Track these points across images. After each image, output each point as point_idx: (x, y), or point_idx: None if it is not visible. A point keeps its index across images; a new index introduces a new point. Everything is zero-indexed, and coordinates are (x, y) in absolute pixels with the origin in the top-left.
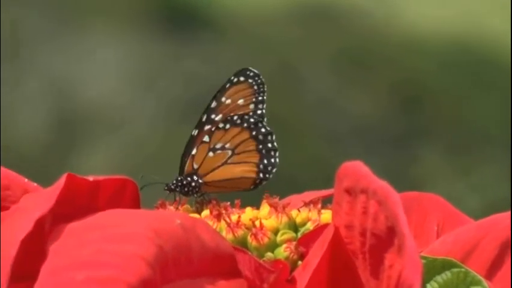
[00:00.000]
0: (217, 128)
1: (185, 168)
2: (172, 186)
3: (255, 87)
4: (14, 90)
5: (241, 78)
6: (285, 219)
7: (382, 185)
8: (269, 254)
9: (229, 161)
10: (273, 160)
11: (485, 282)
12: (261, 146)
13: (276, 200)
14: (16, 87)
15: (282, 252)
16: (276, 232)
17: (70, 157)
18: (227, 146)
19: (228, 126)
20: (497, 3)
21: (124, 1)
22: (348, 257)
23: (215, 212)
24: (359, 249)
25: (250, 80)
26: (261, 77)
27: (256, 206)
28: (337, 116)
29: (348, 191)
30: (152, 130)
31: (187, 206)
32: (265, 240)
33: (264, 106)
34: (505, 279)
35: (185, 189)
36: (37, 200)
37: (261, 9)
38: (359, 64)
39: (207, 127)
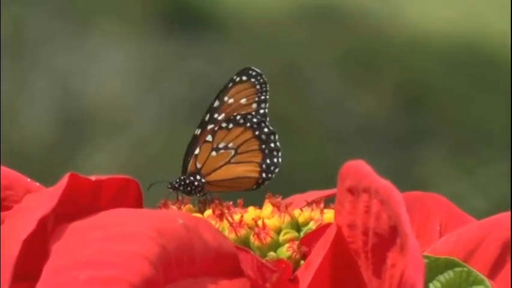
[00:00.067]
0: (220, 127)
1: (189, 167)
2: (176, 185)
3: (258, 86)
4: (19, 90)
5: (244, 78)
6: (287, 218)
7: (384, 184)
8: (272, 254)
9: (232, 161)
10: (275, 160)
11: (487, 282)
12: (263, 146)
13: (279, 199)
14: (21, 87)
15: (285, 251)
16: (278, 231)
17: (74, 157)
18: (230, 145)
19: (231, 125)
20: (502, 3)
21: (129, 2)
22: (350, 257)
23: (217, 212)
24: (361, 249)
25: (252, 80)
26: (263, 76)
27: (259, 205)
28: (342, 116)
29: (351, 190)
30: (156, 130)
31: (189, 205)
32: (268, 239)
33: (267, 105)
34: (507, 278)
35: (188, 188)
36: (40, 200)
37: (266, 10)
38: (363, 65)
39: (210, 126)
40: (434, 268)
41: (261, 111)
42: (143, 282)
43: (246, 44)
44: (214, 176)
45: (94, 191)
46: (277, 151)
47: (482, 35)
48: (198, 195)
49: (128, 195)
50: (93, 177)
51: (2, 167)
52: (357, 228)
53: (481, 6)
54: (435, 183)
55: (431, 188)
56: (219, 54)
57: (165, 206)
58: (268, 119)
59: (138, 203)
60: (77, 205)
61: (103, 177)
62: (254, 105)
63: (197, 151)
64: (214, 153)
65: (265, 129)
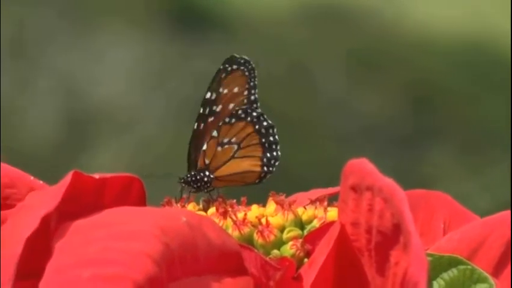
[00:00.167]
0: (224, 122)
1: (198, 163)
2: (189, 180)
3: (247, 73)
4: (24, 90)
5: (234, 67)
6: (291, 216)
7: (388, 183)
8: (275, 252)
9: (235, 155)
10: (275, 153)
11: (491, 280)
12: (263, 140)
13: (282, 197)
14: (27, 87)
15: (288, 249)
16: (282, 229)
17: (79, 157)
18: (233, 140)
19: (233, 120)
20: (508, 3)
21: (134, 1)
22: (354, 255)
23: (221, 210)
24: (364, 247)
25: (242, 67)
26: (251, 62)
27: (263, 203)
28: (347, 116)
29: (354, 189)
30: (161, 130)
31: (193, 203)
32: (272, 237)
33: (256, 91)
34: (511, 276)
35: (198, 184)
36: (43, 198)
37: (272, 10)
38: (369, 64)
39: (210, 119)
40: (438, 266)
41: (252, 97)
42: (147, 281)
43: (251, 43)
44: (221, 171)
45: (98, 189)
46: (276, 144)
47: (488, 34)
48: (206, 191)
49: (132, 193)
50: (96, 175)
51: (5, 165)
52: (360, 227)
53: (486, 6)
54: (442, 183)
55: (437, 188)
56: (224, 54)
57: (168, 204)
58: (259, 104)
59: (141, 201)
60: (80, 203)
61: (107, 175)
62: (245, 92)
63: (205, 147)
64: (219, 148)
65: (265, 123)
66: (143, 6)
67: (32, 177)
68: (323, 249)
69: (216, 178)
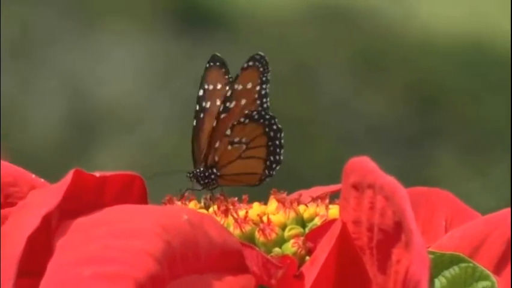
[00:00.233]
0: (238, 122)
1: (208, 159)
2: (198, 175)
3: (261, 69)
4: (28, 90)
5: (250, 63)
6: (292, 214)
7: (389, 180)
8: (277, 250)
9: (242, 155)
10: (278, 157)
11: (493, 277)
12: (270, 143)
13: (284, 195)
14: (30, 87)
15: (290, 247)
16: (283, 227)
17: (83, 157)
18: (243, 140)
19: (247, 121)
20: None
21: (138, 1)
22: (355, 253)
23: (222, 208)
24: (366, 245)
25: (257, 63)
26: (265, 58)
27: (264, 201)
28: (352, 116)
29: (355, 187)
30: (166, 130)
31: (194, 201)
32: (273, 235)
33: (268, 86)
34: None
35: (206, 180)
36: (44, 196)
37: (276, 10)
38: (373, 65)
39: (223, 115)
40: (440, 264)
41: (263, 92)
42: (148, 279)
43: (256, 43)
44: (227, 170)
45: (99, 187)
46: (281, 149)
47: (492, 34)
48: (210, 188)
49: (133, 192)
50: (97, 174)
51: (6, 163)
52: (362, 225)
53: (490, 6)
54: (446, 183)
55: (442, 187)
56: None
57: (170, 202)
58: (269, 99)
59: (143, 199)
60: (81, 201)
61: (108, 173)
62: (257, 88)
63: (217, 144)
64: (229, 147)
65: (274, 127)
66: (147, 6)
67: (33, 176)
68: (325, 247)
69: (221, 176)
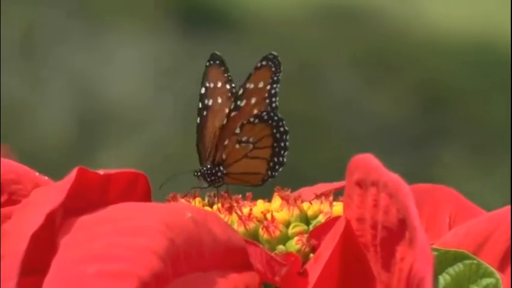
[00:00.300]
0: (248, 121)
1: (216, 157)
2: (205, 172)
3: (273, 68)
4: (35, 90)
5: (263, 63)
6: (296, 211)
7: (393, 178)
8: (281, 247)
9: (248, 155)
10: (281, 159)
11: (497, 274)
12: (275, 144)
13: (288, 192)
14: (37, 87)
15: (294, 245)
16: (287, 225)
17: (89, 156)
18: (251, 139)
19: (256, 121)
20: None
21: (143, 1)
22: (359, 250)
23: (226, 205)
24: (370, 242)
25: (270, 63)
26: (278, 57)
27: (268, 199)
28: (358, 116)
29: (359, 184)
30: (170, 129)
31: (198, 198)
32: (277, 233)
33: (278, 86)
34: None
35: (213, 178)
36: (48, 194)
37: (281, 10)
38: (379, 64)
39: (234, 113)
40: (444, 261)
41: (273, 91)
42: (152, 276)
43: (260, 43)
44: (233, 169)
45: (103, 185)
46: (285, 151)
47: (499, 34)
48: (216, 186)
49: (137, 189)
50: (101, 171)
51: (10, 161)
52: (366, 222)
53: (497, 6)
54: (452, 182)
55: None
56: (232, 54)
57: (174, 199)
58: (278, 98)
59: (146, 197)
60: (85, 199)
61: (112, 171)
62: (268, 87)
63: (226, 142)
64: (237, 146)
65: (281, 128)
66: (151, 6)
67: (37, 173)
68: (329, 245)
69: (227, 174)
